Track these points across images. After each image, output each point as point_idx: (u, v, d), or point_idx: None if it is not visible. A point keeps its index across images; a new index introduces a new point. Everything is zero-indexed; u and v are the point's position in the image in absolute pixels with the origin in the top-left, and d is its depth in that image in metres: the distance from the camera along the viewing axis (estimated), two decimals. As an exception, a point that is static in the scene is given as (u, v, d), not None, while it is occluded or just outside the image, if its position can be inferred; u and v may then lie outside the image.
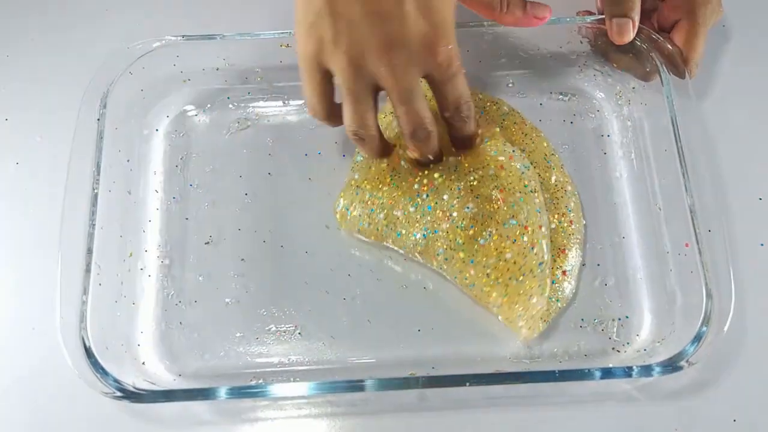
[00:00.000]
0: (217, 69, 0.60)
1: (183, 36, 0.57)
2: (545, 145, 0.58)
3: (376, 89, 0.49)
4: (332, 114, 0.51)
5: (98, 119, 0.54)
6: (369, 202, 0.55)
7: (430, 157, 0.54)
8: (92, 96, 0.55)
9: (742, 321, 0.52)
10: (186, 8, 0.66)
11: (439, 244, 0.53)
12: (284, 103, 0.61)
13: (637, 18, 0.55)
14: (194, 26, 0.63)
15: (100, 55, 0.57)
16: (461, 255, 0.52)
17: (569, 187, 0.56)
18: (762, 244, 0.55)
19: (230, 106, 0.61)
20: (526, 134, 0.58)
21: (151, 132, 0.60)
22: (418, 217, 0.54)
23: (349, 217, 0.55)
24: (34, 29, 0.65)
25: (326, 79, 0.49)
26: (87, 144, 0.53)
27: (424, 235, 0.53)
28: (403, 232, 0.54)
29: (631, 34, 0.56)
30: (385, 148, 0.54)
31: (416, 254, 0.54)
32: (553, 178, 0.56)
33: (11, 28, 0.65)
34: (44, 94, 0.62)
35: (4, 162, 0.59)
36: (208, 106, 0.61)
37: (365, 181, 0.56)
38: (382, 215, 0.54)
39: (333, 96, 0.51)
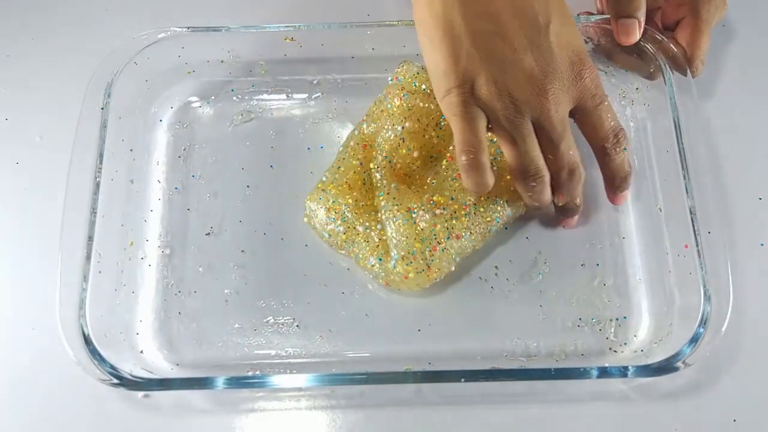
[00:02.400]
0: (222, 61, 0.60)
1: (188, 27, 0.57)
2: None
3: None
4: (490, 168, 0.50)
5: (102, 108, 0.54)
6: (332, 210, 0.55)
7: (577, 201, 0.54)
8: (97, 86, 0.55)
9: (743, 321, 0.52)
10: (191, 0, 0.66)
11: (397, 270, 0.52)
12: (288, 96, 0.61)
13: (642, 18, 0.55)
14: (199, 18, 0.63)
15: (103, 53, 0.57)
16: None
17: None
18: (762, 244, 0.55)
19: (234, 98, 0.61)
20: None
21: (155, 122, 0.60)
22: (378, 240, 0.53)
23: (314, 223, 0.55)
24: (34, 29, 0.65)
25: (485, 123, 0.48)
26: (91, 133, 0.54)
27: (379, 259, 0.53)
28: (360, 255, 0.54)
29: (637, 35, 0.55)
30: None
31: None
32: None
33: (11, 28, 0.65)
34: (44, 94, 0.62)
35: (4, 162, 0.59)
36: (212, 97, 0.61)
37: (332, 184, 0.56)
38: (341, 228, 0.54)
39: None
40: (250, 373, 0.51)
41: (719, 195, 0.56)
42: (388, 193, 0.54)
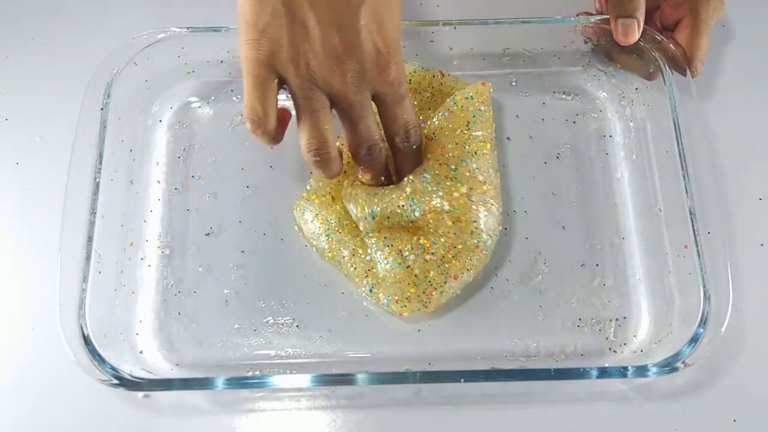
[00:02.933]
0: (222, 61, 0.60)
1: (188, 28, 0.57)
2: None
3: (330, 105, 0.47)
4: (277, 125, 0.48)
5: (102, 108, 0.54)
6: (317, 224, 0.55)
7: (383, 179, 0.54)
8: (96, 86, 0.55)
9: (743, 321, 0.52)
10: (191, 0, 0.66)
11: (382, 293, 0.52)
12: (287, 96, 0.60)
13: (642, 18, 0.55)
14: (199, 18, 0.63)
15: (103, 53, 0.57)
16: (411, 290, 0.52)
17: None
18: (762, 244, 0.55)
19: (234, 98, 0.61)
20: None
21: (155, 123, 0.60)
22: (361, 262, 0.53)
23: (304, 232, 0.55)
24: (34, 30, 0.65)
25: (277, 86, 0.46)
26: (90, 133, 0.54)
27: (370, 289, 0.53)
28: (349, 276, 0.54)
29: (636, 35, 0.55)
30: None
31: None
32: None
33: (11, 29, 0.65)
34: (44, 95, 0.62)
35: (4, 162, 0.59)
36: (212, 98, 0.61)
37: (315, 194, 0.56)
38: (326, 246, 0.54)
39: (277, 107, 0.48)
40: (249, 374, 0.51)
41: (719, 195, 0.56)
42: (378, 231, 0.53)
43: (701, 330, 0.47)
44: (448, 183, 0.53)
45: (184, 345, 0.52)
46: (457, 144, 0.54)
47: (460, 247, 0.52)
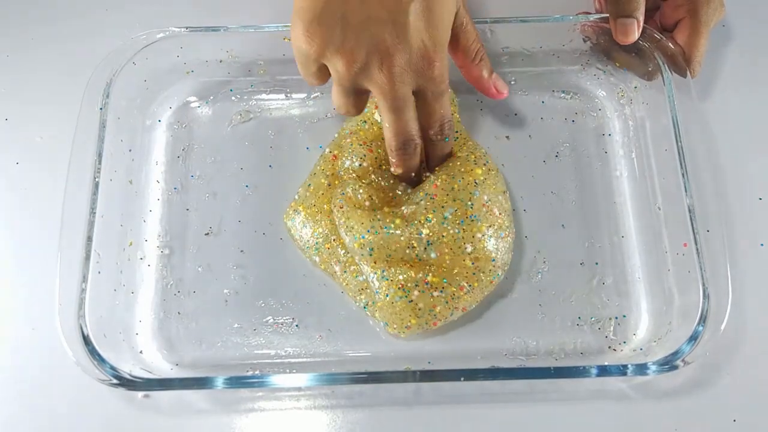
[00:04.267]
0: (221, 61, 0.60)
1: (187, 27, 0.57)
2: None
3: (366, 91, 0.49)
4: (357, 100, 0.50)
5: (101, 108, 0.54)
6: (305, 233, 0.54)
7: (413, 175, 0.54)
8: (95, 86, 0.55)
9: (743, 320, 0.52)
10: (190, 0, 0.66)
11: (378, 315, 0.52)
12: (287, 96, 0.61)
13: (641, 18, 0.55)
14: (198, 18, 0.63)
15: (103, 53, 0.57)
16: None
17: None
18: (762, 244, 0.55)
19: (233, 98, 0.61)
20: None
21: (154, 122, 0.60)
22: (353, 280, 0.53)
23: (296, 241, 0.55)
24: (34, 30, 0.65)
25: (326, 74, 0.49)
26: (89, 133, 0.54)
27: (364, 307, 0.53)
28: (343, 288, 0.54)
29: (636, 34, 0.56)
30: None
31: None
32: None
33: (11, 29, 0.65)
34: (45, 95, 0.62)
35: (4, 162, 0.59)
36: (211, 97, 0.61)
37: (302, 204, 0.55)
38: (317, 259, 0.54)
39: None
40: (249, 373, 0.51)
41: (719, 193, 0.56)
42: (375, 262, 0.52)
43: (700, 328, 0.47)
44: (469, 223, 0.52)
45: (183, 345, 0.52)
46: (454, 177, 0.54)
47: (475, 285, 0.52)
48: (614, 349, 0.52)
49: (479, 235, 0.52)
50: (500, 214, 0.53)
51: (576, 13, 0.60)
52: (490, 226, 0.52)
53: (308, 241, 0.54)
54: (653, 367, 0.47)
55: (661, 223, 0.54)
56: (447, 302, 0.51)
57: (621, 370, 0.47)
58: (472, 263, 0.52)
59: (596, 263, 0.54)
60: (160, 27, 0.57)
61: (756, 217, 0.56)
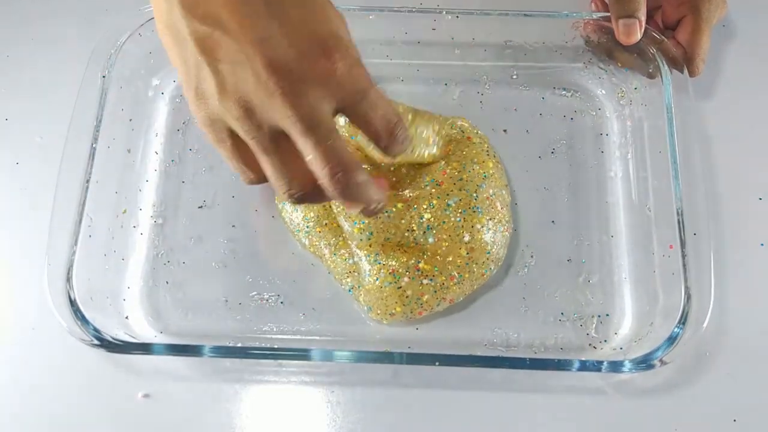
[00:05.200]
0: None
1: (194, 2, 0.58)
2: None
3: (283, 135, 0.39)
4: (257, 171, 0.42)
5: (103, 76, 0.55)
6: (295, 215, 0.55)
7: (376, 205, 0.43)
8: (100, 54, 0.56)
9: (745, 321, 0.53)
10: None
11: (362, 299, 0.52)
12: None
13: (643, 18, 0.55)
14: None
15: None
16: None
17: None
18: (762, 244, 0.55)
19: (236, 75, 0.61)
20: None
21: (156, 94, 0.61)
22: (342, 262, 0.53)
23: (286, 224, 0.55)
24: (34, 30, 0.65)
25: (236, 138, 0.41)
26: (91, 100, 0.54)
27: (350, 290, 0.53)
28: (330, 269, 0.54)
29: (638, 35, 0.56)
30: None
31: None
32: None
33: (11, 29, 0.65)
34: (45, 95, 0.62)
35: (4, 162, 0.60)
36: (215, 73, 0.61)
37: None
38: (306, 241, 0.54)
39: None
40: (230, 344, 0.51)
41: (713, 196, 0.56)
42: (370, 245, 0.52)
43: (679, 330, 0.47)
44: (471, 213, 0.52)
45: (169, 313, 0.53)
46: (465, 167, 0.54)
47: (466, 276, 0.52)
48: (594, 347, 0.52)
49: (479, 226, 0.52)
50: (502, 208, 0.54)
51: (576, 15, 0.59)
52: (490, 219, 0.53)
53: (299, 224, 0.54)
54: (629, 365, 0.47)
55: (650, 224, 0.54)
56: (435, 291, 0.51)
57: (596, 366, 0.47)
58: (467, 253, 0.52)
59: (583, 261, 0.55)
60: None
61: (756, 217, 0.56)
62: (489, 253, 0.52)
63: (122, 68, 0.56)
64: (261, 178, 0.42)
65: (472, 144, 0.55)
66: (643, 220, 0.55)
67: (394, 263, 0.51)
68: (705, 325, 0.48)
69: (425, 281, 0.51)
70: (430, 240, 0.52)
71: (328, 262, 0.54)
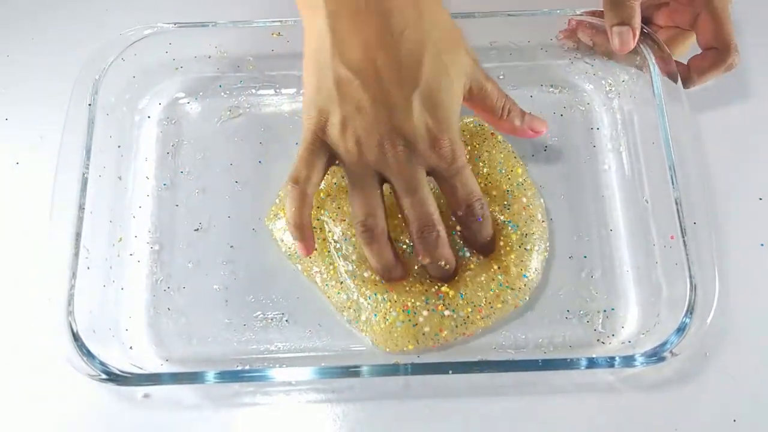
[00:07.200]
0: (209, 57, 0.60)
1: (175, 23, 0.57)
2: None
3: (381, 182, 0.49)
4: (310, 204, 0.50)
5: (89, 105, 0.54)
6: (286, 239, 0.54)
7: (444, 266, 0.50)
8: (83, 82, 0.55)
9: (746, 322, 0.53)
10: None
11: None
12: (276, 91, 0.61)
13: (637, 26, 0.54)
14: (186, 13, 0.63)
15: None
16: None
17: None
18: (762, 244, 0.56)
19: (222, 94, 0.61)
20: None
21: (143, 119, 0.60)
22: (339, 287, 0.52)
23: (280, 245, 0.55)
24: (34, 29, 0.65)
25: (327, 160, 0.49)
26: (78, 129, 0.54)
27: (348, 321, 0.52)
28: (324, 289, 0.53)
29: (632, 43, 0.55)
30: (396, 266, 0.51)
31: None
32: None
33: (11, 29, 0.65)
34: (45, 94, 0.62)
35: (4, 162, 0.59)
36: (200, 93, 0.61)
37: (283, 209, 0.53)
38: (299, 267, 0.53)
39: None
40: (239, 368, 0.51)
41: (718, 194, 0.56)
42: (375, 285, 0.51)
43: (687, 319, 0.48)
44: (504, 226, 0.51)
45: (173, 340, 0.53)
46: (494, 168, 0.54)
47: (498, 306, 0.50)
48: (603, 342, 0.52)
49: (514, 239, 0.52)
50: (542, 220, 0.53)
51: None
52: (528, 233, 0.52)
53: (290, 247, 0.54)
54: (641, 359, 0.47)
55: (648, 215, 0.54)
56: (456, 327, 0.49)
57: (609, 362, 0.47)
58: (501, 275, 0.51)
59: (584, 256, 0.55)
60: (148, 23, 0.57)
61: (756, 217, 0.57)
62: (526, 276, 0.51)
63: (107, 95, 0.56)
64: (307, 192, 0.49)
65: (497, 143, 0.55)
66: (640, 212, 0.55)
67: (406, 297, 0.50)
68: (711, 315, 0.48)
69: (446, 312, 0.50)
70: (467, 254, 0.51)
71: (324, 289, 0.53)
